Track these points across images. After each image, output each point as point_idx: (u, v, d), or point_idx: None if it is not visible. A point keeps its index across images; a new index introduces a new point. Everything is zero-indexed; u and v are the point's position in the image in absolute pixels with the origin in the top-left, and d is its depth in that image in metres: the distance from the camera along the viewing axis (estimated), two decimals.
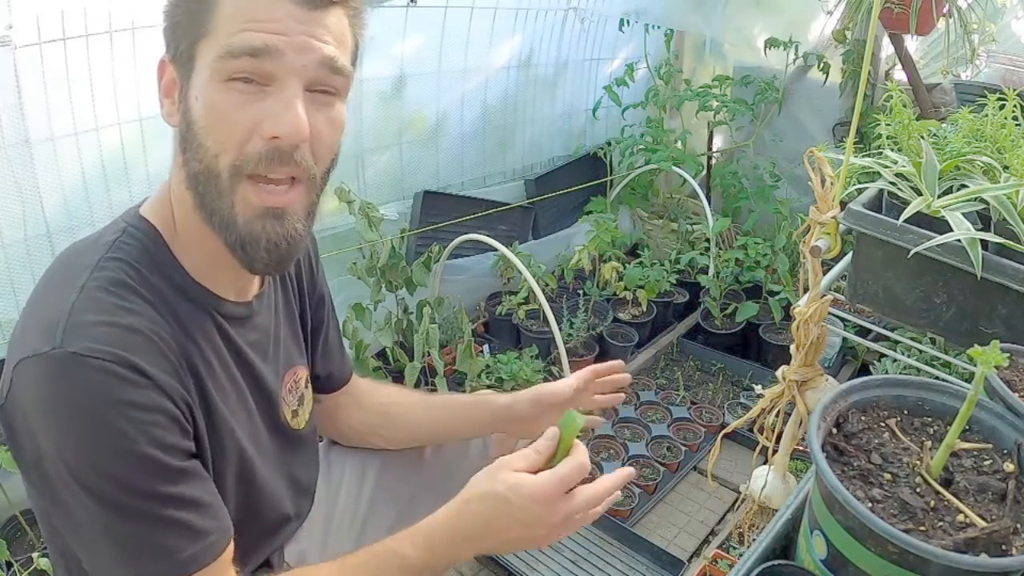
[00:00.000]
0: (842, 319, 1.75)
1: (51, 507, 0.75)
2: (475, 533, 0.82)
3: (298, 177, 0.78)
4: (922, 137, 1.19)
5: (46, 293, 0.77)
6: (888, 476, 0.78)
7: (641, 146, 3.14)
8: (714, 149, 3.35)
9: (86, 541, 0.74)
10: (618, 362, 1.26)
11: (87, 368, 0.69)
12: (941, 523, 0.72)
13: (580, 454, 0.84)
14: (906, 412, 0.88)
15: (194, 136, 0.75)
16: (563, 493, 0.80)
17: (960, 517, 0.73)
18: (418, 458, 1.25)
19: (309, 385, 1.09)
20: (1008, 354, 0.74)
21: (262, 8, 0.72)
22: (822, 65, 2.91)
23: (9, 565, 1.45)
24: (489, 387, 2.22)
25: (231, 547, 0.80)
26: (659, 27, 3.24)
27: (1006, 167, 1.14)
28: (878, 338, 2.15)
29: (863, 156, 1.19)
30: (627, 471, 0.88)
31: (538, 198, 2.97)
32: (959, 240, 0.99)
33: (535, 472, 0.82)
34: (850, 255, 1.24)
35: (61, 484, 0.71)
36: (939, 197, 1.08)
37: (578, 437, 0.86)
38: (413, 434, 1.23)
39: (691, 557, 1.86)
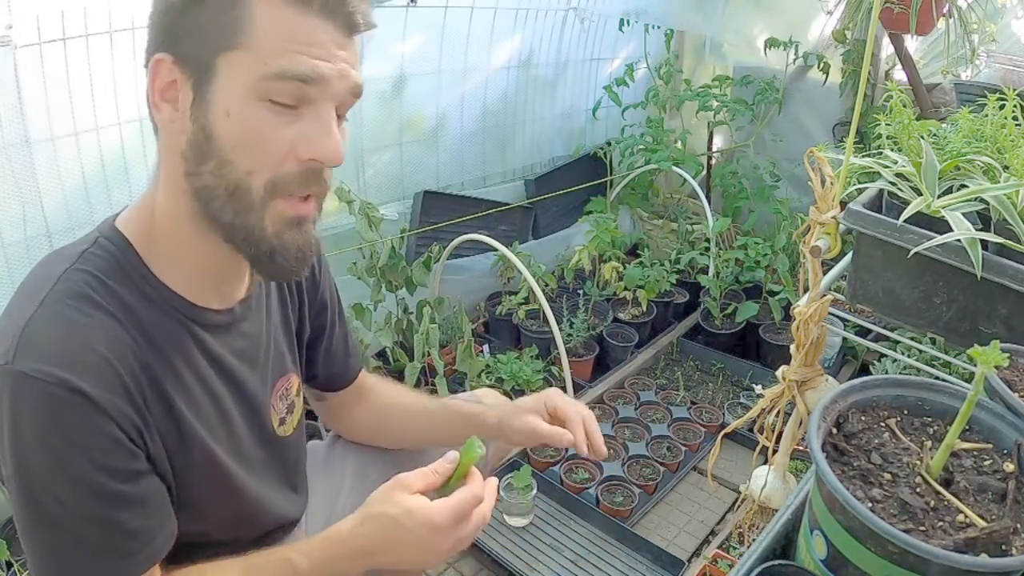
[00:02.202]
0: (842, 319, 1.75)
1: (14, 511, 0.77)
2: (366, 551, 0.83)
3: (318, 195, 0.81)
4: (922, 137, 1.19)
5: (13, 302, 0.78)
6: (888, 476, 0.78)
7: (641, 146, 3.14)
8: (714, 149, 3.35)
9: (24, 540, 0.76)
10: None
11: (32, 390, 0.70)
12: (941, 523, 0.72)
13: (476, 484, 0.86)
14: (906, 412, 0.88)
15: (217, 151, 0.74)
16: (456, 522, 0.82)
17: (960, 517, 0.73)
18: (420, 459, 1.25)
19: (300, 393, 1.08)
20: (1008, 354, 0.74)
21: (307, 31, 0.72)
22: (822, 65, 2.92)
23: (9, 565, 1.45)
24: (490, 387, 2.22)
25: (156, 566, 0.81)
26: (659, 27, 3.24)
27: (1006, 167, 1.14)
28: (878, 338, 2.15)
29: (863, 156, 1.19)
30: (493, 482, 0.89)
31: (538, 198, 2.97)
32: (959, 240, 0.99)
33: (432, 488, 0.85)
34: (850, 255, 1.23)
35: (14, 490, 0.74)
36: (939, 197, 1.08)
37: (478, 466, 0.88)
38: (401, 438, 1.24)
39: (691, 557, 1.86)
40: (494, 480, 0.90)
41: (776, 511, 1.14)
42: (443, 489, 0.86)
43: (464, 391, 2.19)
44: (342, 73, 0.75)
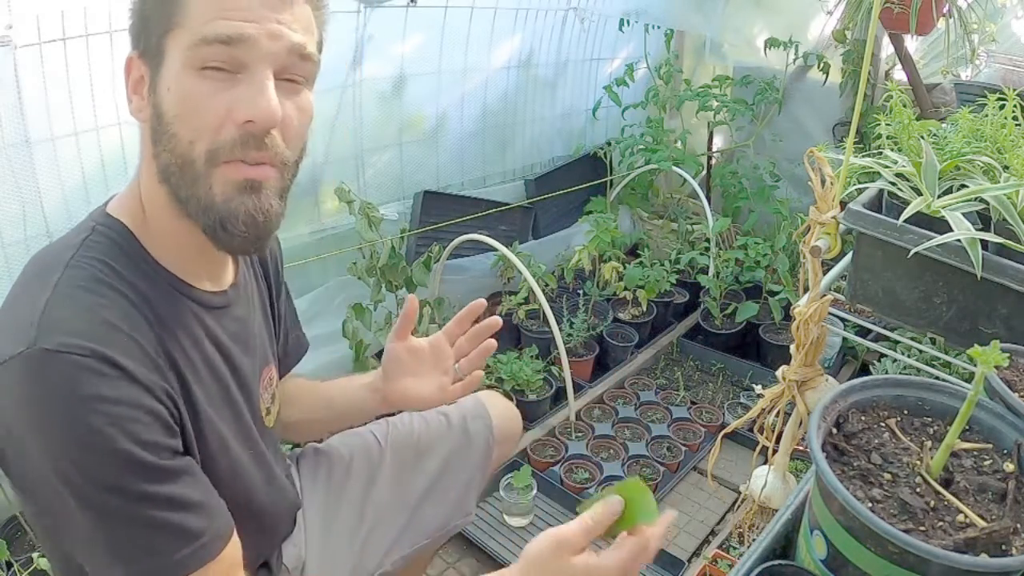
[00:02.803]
0: (842, 319, 1.75)
1: (43, 514, 0.74)
2: None
3: (270, 163, 0.78)
4: (922, 137, 1.19)
5: (20, 294, 0.76)
6: (888, 476, 0.78)
7: (641, 146, 3.14)
8: (714, 149, 3.35)
9: (80, 542, 0.72)
10: (478, 303, 1.19)
11: (61, 363, 0.67)
12: (941, 523, 0.72)
13: (643, 534, 0.79)
14: (906, 412, 0.88)
15: (166, 127, 0.76)
16: (623, 572, 0.77)
17: (960, 517, 0.73)
18: (422, 464, 1.25)
19: (277, 385, 1.07)
20: (1008, 354, 0.74)
21: None
22: (822, 65, 2.91)
23: (9, 565, 1.45)
24: (489, 387, 2.22)
25: (234, 548, 0.79)
26: (659, 27, 3.24)
27: (1006, 167, 1.14)
28: (878, 338, 2.15)
29: (863, 156, 1.19)
30: (671, 515, 0.83)
31: (538, 198, 2.97)
32: (959, 240, 0.99)
33: (590, 538, 0.78)
34: (850, 255, 1.23)
35: (49, 488, 0.69)
36: (939, 197, 1.08)
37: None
38: (307, 415, 1.19)
39: (691, 557, 1.86)
40: (670, 514, 0.82)
41: (776, 511, 1.14)
42: (606, 535, 0.80)
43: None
44: (272, 33, 0.75)
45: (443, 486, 1.25)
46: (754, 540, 0.97)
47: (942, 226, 1.03)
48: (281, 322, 1.12)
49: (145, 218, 0.82)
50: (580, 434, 2.21)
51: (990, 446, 0.83)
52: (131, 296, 0.77)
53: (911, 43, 2.71)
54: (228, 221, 0.77)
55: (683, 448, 2.18)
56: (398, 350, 1.14)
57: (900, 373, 1.65)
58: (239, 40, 0.73)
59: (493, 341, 1.19)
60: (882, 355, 2.20)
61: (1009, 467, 0.79)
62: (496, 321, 1.17)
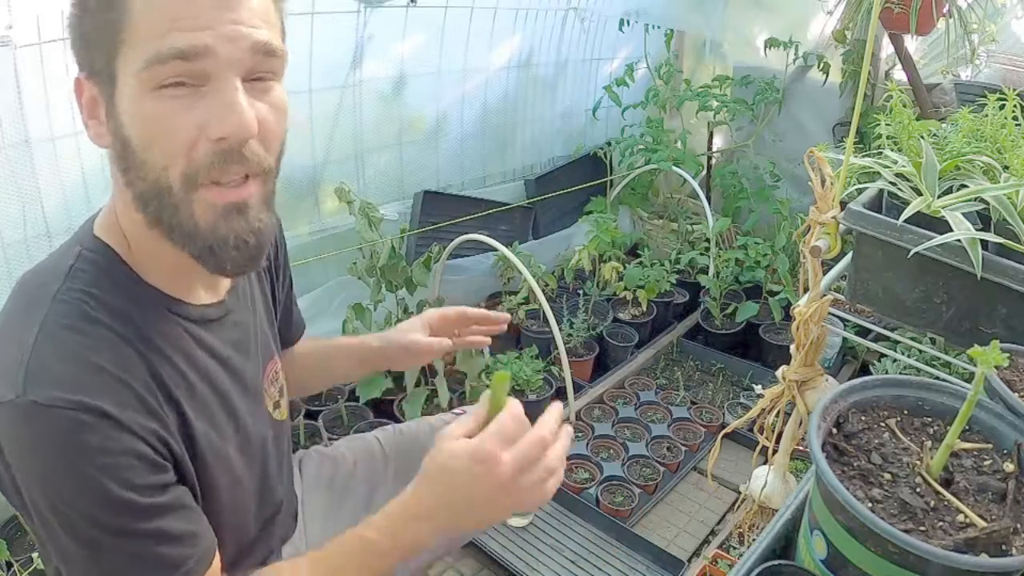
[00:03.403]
0: (842, 319, 1.75)
1: (40, 532, 0.75)
2: (430, 510, 0.80)
3: (252, 173, 0.74)
4: (922, 137, 1.19)
5: (7, 329, 0.75)
6: (888, 476, 0.78)
7: (641, 146, 3.14)
8: (714, 149, 3.35)
9: (76, 572, 0.74)
10: (493, 314, 1.26)
11: (51, 419, 0.68)
12: (941, 523, 0.72)
13: (513, 406, 0.81)
14: (906, 412, 0.88)
15: (133, 154, 0.71)
16: (503, 445, 0.78)
17: (960, 517, 0.73)
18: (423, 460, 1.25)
19: (283, 373, 1.07)
20: (1008, 354, 0.74)
21: (181, 5, 0.67)
22: (822, 65, 2.91)
23: (9, 565, 1.45)
24: (489, 387, 2.21)
25: (216, 562, 0.80)
26: (659, 27, 3.24)
27: (1006, 167, 1.14)
28: (878, 338, 2.15)
29: (863, 156, 1.19)
30: (557, 405, 0.87)
31: (538, 198, 2.97)
32: (959, 240, 0.99)
33: (473, 433, 0.80)
34: (850, 255, 1.23)
35: (42, 518, 0.72)
36: (939, 197, 1.08)
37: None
38: (310, 383, 1.27)
39: (691, 557, 1.86)
40: (566, 429, 0.85)
41: (776, 511, 1.14)
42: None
43: (464, 391, 2.20)
44: (231, 36, 0.68)
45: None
46: (754, 540, 0.97)
47: (942, 226, 1.03)
48: (280, 307, 1.11)
49: (128, 242, 0.80)
50: (580, 434, 2.21)
51: (990, 446, 0.83)
52: (119, 329, 0.75)
53: (911, 43, 2.71)
54: (217, 247, 0.75)
55: (683, 448, 2.18)
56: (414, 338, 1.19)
57: (900, 373, 1.64)
58: (197, 52, 0.67)
59: (488, 340, 1.27)
60: (882, 355, 2.20)
61: (1009, 467, 0.79)
62: (505, 318, 1.25)
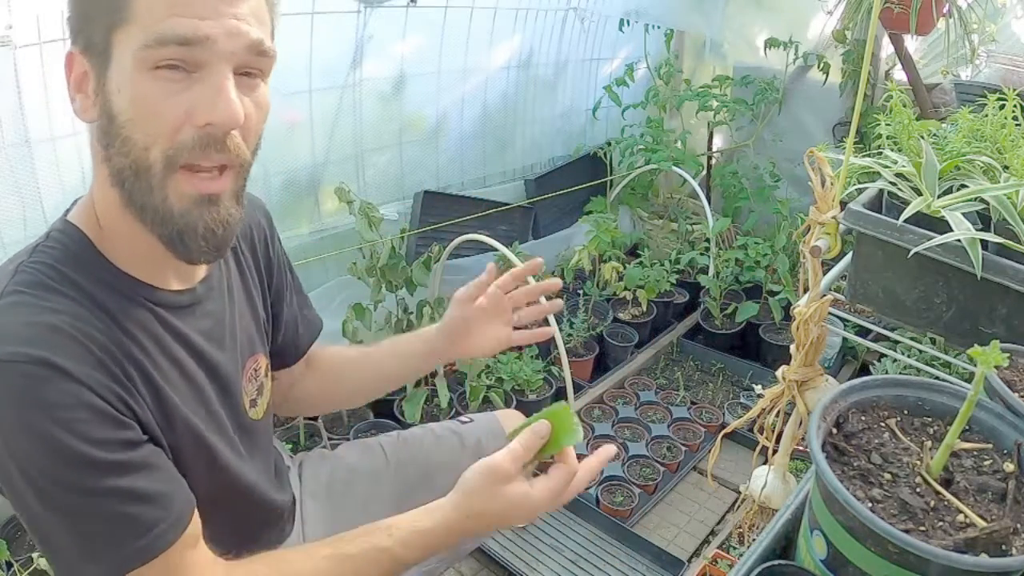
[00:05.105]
0: (842, 319, 1.75)
1: (18, 512, 0.75)
2: (465, 535, 0.89)
3: (229, 164, 0.77)
4: (922, 137, 1.19)
5: None
6: (888, 476, 0.78)
7: (641, 146, 3.14)
8: (714, 149, 3.35)
9: (41, 536, 0.74)
10: (536, 262, 1.25)
11: (8, 373, 0.69)
12: (941, 523, 0.72)
13: (570, 460, 0.88)
14: (906, 412, 0.88)
15: (118, 130, 0.73)
16: (554, 499, 0.87)
17: (960, 517, 0.73)
18: (431, 482, 1.24)
19: (269, 374, 1.06)
20: (1008, 354, 0.74)
21: None
22: (822, 65, 2.91)
23: (9, 565, 1.45)
24: (489, 387, 2.22)
25: (193, 530, 0.79)
26: (659, 27, 3.24)
27: (1006, 167, 1.14)
28: (878, 338, 2.15)
29: (863, 156, 1.19)
30: (609, 450, 0.93)
31: (538, 198, 2.97)
32: (959, 240, 0.99)
33: (521, 464, 0.86)
34: (850, 255, 1.23)
35: (14, 489, 0.72)
36: (939, 197, 1.08)
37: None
38: (355, 394, 1.26)
39: (691, 557, 1.86)
40: (608, 449, 0.93)
41: (776, 511, 1.14)
42: (536, 460, 0.88)
43: (464, 391, 2.20)
44: (231, 30, 0.71)
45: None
46: (754, 540, 0.97)
47: (942, 226, 1.03)
48: (281, 303, 1.10)
49: (99, 223, 0.81)
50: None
51: (990, 446, 0.83)
52: (80, 299, 0.76)
53: (911, 43, 2.71)
54: (186, 234, 0.76)
55: (683, 448, 2.18)
56: (465, 313, 1.19)
57: (900, 373, 1.64)
58: (197, 40, 0.70)
59: (559, 300, 1.26)
60: (882, 355, 2.20)
61: (1009, 467, 0.79)
62: (556, 283, 1.24)
